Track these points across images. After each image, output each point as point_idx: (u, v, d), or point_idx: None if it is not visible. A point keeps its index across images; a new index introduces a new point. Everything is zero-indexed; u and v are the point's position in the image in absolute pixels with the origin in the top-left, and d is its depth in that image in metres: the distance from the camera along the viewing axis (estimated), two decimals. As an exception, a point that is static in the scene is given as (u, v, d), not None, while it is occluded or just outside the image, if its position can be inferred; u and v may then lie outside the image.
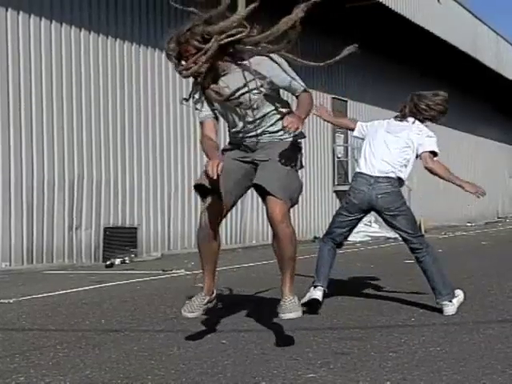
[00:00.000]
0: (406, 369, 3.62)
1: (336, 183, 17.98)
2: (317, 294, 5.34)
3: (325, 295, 5.44)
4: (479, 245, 13.96)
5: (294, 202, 4.05)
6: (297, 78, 4.12)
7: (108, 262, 10.48)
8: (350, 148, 18.72)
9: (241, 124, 4.15)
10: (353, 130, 5.84)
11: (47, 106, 10.43)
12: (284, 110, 4.14)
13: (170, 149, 12.66)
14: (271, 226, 3.98)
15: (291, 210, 4.09)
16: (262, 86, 4.01)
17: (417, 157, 5.52)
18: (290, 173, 4.06)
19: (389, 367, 3.65)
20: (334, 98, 18.09)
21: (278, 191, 3.93)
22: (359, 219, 5.56)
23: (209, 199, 4.11)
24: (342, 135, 18.60)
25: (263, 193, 3.98)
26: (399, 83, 21.07)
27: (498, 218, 29.20)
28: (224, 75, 4.04)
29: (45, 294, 6.82)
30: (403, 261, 9.03)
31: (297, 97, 4.14)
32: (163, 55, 12.51)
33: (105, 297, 6.59)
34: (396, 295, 6.20)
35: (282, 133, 4.10)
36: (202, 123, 4.23)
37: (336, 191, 17.80)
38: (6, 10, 9.90)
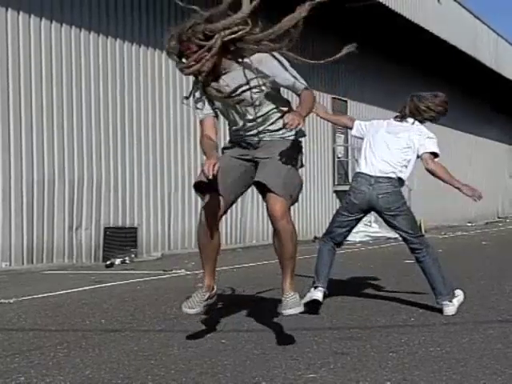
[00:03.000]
0: (406, 369, 3.62)
1: (336, 183, 17.98)
2: (317, 294, 5.34)
3: (325, 295, 5.44)
4: (479, 245, 13.96)
5: (294, 199, 4.07)
6: (298, 76, 4.12)
7: (108, 262, 10.48)
8: (350, 148, 18.72)
9: (241, 122, 4.15)
10: (351, 128, 5.85)
11: (47, 105, 10.43)
12: (284, 109, 4.14)
13: (170, 148, 12.66)
14: (272, 222, 4.01)
15: (291, 208, 4.10)
16: (263, 84, 4.01)
17: (418, 157, 5.52)
18: (291, 171, 4.07)
19: (389, 367, 3.65)
20: (334, 98, 18.10)
21: (279, 188, 3.95)
22: (359, 219, 5.58)
23: (207, 196, 4.11)
24: (343, 135, 18.60)
25: (264, 190, 4.00)
26: (399, 83, 21.07)
27: (498, 217, 29.21)
28: (225, 73, 4.03)
29: (45, 294, 6.82)
30: (403, 261, 9.03)
31: (298, 95, 4.13)
32: (163, 55, 12.53)
33: (105, 297, 6.59)
34: (396, 295, 6.20)
35: (282, 131, 4.10)
36: (201, 122, 4.22)
37: (336, 191, 17.80)
38: (6, 10, 9.90)
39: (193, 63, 3.85)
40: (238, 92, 3.95)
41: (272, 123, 4.13)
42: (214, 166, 3.82)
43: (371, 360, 3.82)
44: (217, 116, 4.24)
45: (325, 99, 17.70)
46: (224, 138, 4.41)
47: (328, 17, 16.95)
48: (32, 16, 10.22)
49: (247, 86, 3.95)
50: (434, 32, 19.62)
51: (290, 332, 4.56)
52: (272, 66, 4.01)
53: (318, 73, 17.14)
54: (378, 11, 17.01)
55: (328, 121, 6.23)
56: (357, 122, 5.79)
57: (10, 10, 9.94)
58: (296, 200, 4.10)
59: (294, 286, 4.06)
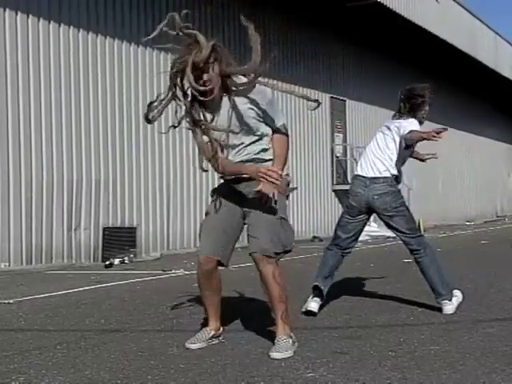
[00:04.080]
0: (405, 368, 3.63)
1: (335, 182, 17.98)
2: (311, 305, 5.32)
3: (324, 295, 5.43)
4: (478, 244, 13.97)
5: (288, 249, 4.08)
6: (279, 112, 4.10)
7: (107, 262, 10.47)
8: (348, 147, 18.72)
9: (226, 153, 4.07)
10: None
11: (46, 106, 10.42)
12: (270, 145, 4.07)
13: (169, 149, 12.66)
14: (256, 266, 4.06)
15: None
16: (246, 120, 3.97)
17: (407, 148, 5.41)
18: (280, 224, 4.02)
19: (388, 366, 3.66)
20: (332, 97, 18.10)
21: (269, 252, 3.96)
22: (363, 221, 5.50)
23: (202, 242, 4.15)
24: (341, 134, 18.61)
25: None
26: (398, 83, 21.00)
27: (497, 216, 29.20)
28: (214, 108, 4.00)
29: (44, 295, 6.82)
30: (402, 260, 9.03)
31: (273, 132, 4.08)
32: (162, 55, 12.53)
33: (104, 297, 6.60)
34: (395, 294, 6.21)
35: (270, 163, 4.02)
36: (200, 149, 4.09)
37: (335, 190, 17.81)
38: (4, 11, 9.89)
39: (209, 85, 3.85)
40: (223, 138, 3.93)
41: (259, 152, 4.05)
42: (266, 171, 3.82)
43: (371, 359, 3.82)
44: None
45: (323, 98, 17.69)
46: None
47: (328, 17, 16.98)
48: (30, 16, 10.21)
49: (231, 127, 3.94)
50: (433, 31, 19.63)
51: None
52: (265, 100, 3.99)
53: (316, 72, 17.15)
54: (378, 11, 17.02)
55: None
56: None
57: (7, 10, 9.93)
58: (291, 249, 4.11)
59: (287, 328, 4.01)
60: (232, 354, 3.99)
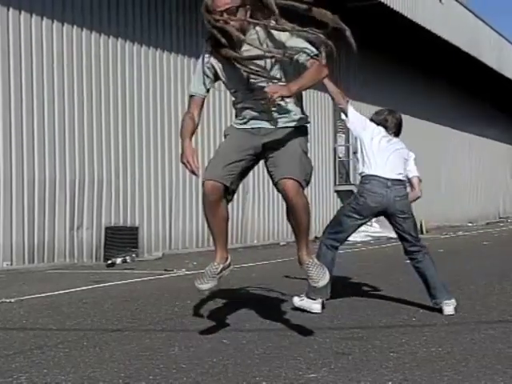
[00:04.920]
0: (407, 369, 3.62)
1: (337, 183, 17.97)
2: (316, 307, 5.32)
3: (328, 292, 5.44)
4: (480, 245, 13.96)
5: (308, 181, 4.06)
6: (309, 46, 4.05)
7: (109, 262, 10.47)
8: (351, 148, 18.70)
9: (250, 97, 4.02)
10: (343, 109, 5.93)
11: (48, 105, 10.43)
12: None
13: (172, 148, 12.65)
14: (285, 200, 3.97)
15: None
16: (280, 54, 3.95)
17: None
18: (303, 157, 4.05)
19: (390, 367, 3.65)
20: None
21: (295, 174, 3.93)
22: (367, 223, 5.60)
23: (209, 168, 4.15)
24: (344, 135, 18.59)
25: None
26: (400, 83, 21.07)
27: (500, 218, 29.17)
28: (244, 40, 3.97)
29: (46, 294, 6.82)
30: (404, 261, 9.01)
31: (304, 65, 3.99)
32: (165, 54, 12.53)
33: (106, 296, 6.59)
34: (397, 295, 6.20)
35: (291, 115, 4.05)
36: (191, 97, 4.23)
37: (337, 191, 17.80)
38: (8, 10, 9.90)
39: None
40: (255, 55, 3.92)
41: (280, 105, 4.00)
42: (193, 160, 4.09)
43: (372, 360, 3.82)
44: (205, 95, 4.25)
45: (325, 99, 17.70)
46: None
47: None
48: (33, 15, 10.22)
49: (264, 53, 3.92)
50: (435, 32, 19.61)
51: (291, 332, 4.56)
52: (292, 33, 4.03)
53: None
54: (379, 11, 17.00)
55: (327, 88, 6.00)
56: (353, 111, 5.91)
57: (11, 9, 9.94)
58: (309, 182, 4.08)
59: (310, 253, 4.06)
60: (234, 354, 3.98)
